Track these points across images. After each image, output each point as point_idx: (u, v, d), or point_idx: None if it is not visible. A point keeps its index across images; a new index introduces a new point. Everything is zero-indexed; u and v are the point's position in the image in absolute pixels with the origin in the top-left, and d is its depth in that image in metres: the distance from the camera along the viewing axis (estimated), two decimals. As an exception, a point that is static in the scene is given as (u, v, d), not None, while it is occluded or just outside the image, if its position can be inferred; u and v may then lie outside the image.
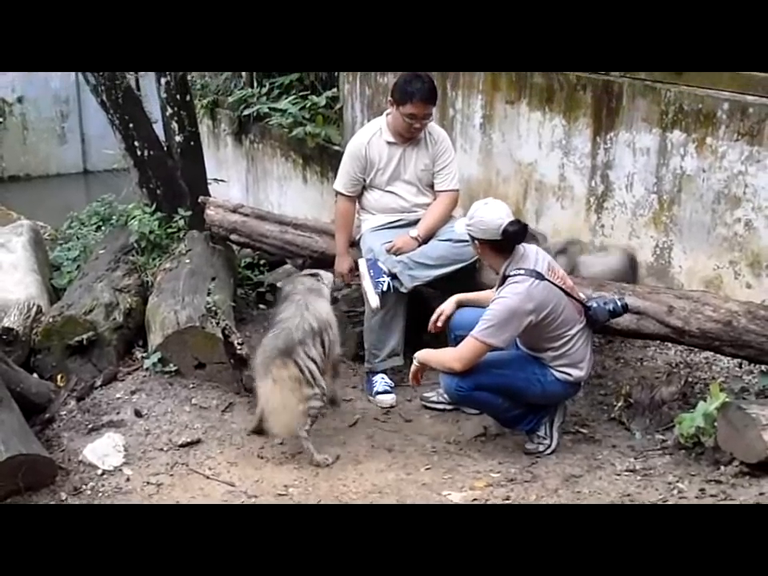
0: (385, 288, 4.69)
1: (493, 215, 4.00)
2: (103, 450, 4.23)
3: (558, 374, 4.08)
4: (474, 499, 3.80)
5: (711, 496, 3.62)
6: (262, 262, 6.41)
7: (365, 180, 5.01)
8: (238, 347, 4.78)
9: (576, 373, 4.10)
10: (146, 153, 6.43)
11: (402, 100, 4.75)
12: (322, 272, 4.69)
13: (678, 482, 3.84)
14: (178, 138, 6.61)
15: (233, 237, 5.85)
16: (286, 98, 8.14)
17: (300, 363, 4.14)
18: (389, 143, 4.93)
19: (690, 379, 4.65)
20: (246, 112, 8.63)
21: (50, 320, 4.98)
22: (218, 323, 4.89)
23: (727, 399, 3.88)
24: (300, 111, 7.90)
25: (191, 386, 4.78)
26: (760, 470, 3.67)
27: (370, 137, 4.96)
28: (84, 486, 3.99)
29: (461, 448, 4.34)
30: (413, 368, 4.22)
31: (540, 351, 4.10)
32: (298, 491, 3.94)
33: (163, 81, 6.48)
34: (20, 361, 4.83)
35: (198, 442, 4.36)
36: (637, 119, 5.40)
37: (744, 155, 4.87)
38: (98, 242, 6.44)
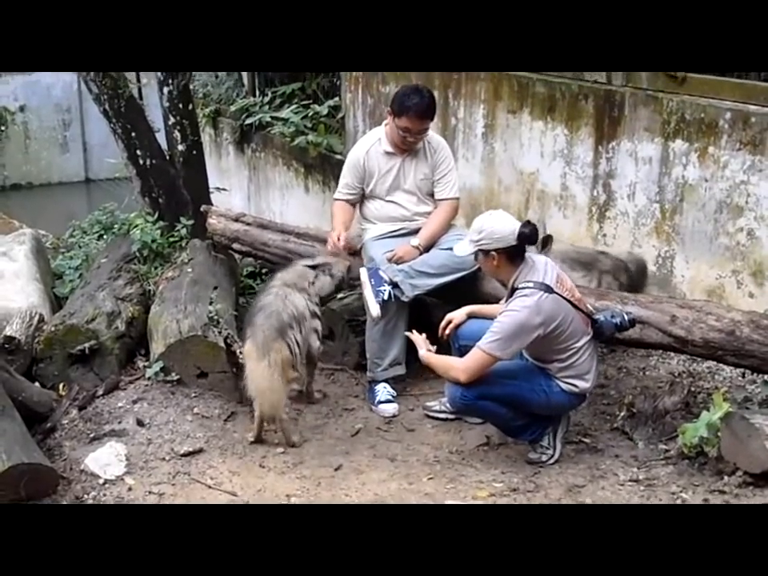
0: (386, 297, 4.68)
1: (503, 223, 4.02)
2: (105, 460, 4.22)
3: (563, 386, 4.07)
4: (477, 509, 3.79)
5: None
6: (264, 270, 6.40)
7: (363, 190, 5.02)
8: (240, 356, 4.77)
9: (582, 384, 4.09)
10: (148, 162, 6.44)
11: (399, 112, 4.77)
12: (325, 262, 4.76)
13: (681, 492, 3.84)
14: (180, 147, 6.61)
15: (235, 246, 5.85)
16: (288, 107, 8.15)
17: (291, 345, 4.35)
18: (387, 153, 4.94)
19: (692, 389, 4.64)
20: (248, 121, 8.64)
21: (52, 329, 4.97)
22: (220, 332, 4.88)
23: (730, 409, 3.87)
24: (302, 120, 7.91)
25: (193, 395, 4.78)
26: (763, 479, 3.67)
27: (368, 147, 4.97)
28: (86, 496, 3.98)
29: (463, 458, 4.32)
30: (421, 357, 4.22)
31: (546, 362, 4.09)
32: (300, 500, 3.93)
33: (166, 90, 6.49)
34: (22, 370, 4.82)
35: (200, 451, 4.35)
36: (639, 128, 5.40)
37: (746, 165, 4.88)
38: (99, 251, 6.44)
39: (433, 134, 5.04)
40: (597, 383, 4.49)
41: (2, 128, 12.27)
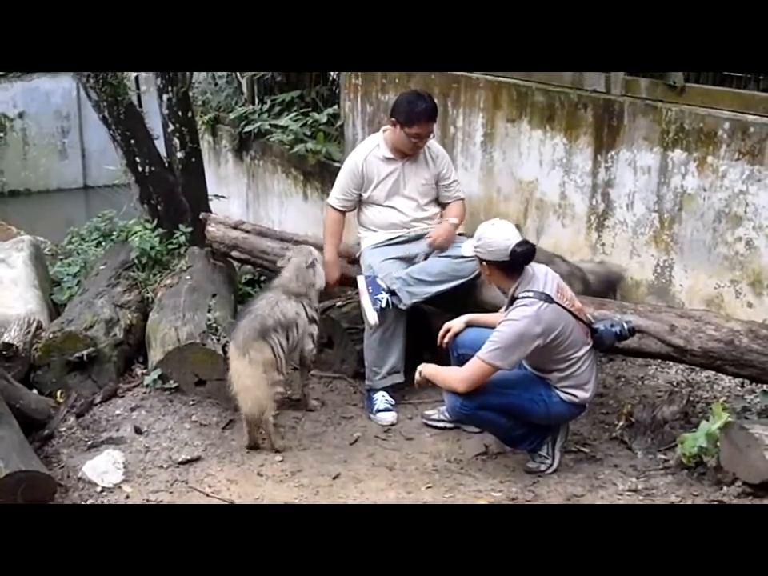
0: (384, 305, 4.68)
1: (500, 236, 3.99)
2: (103, 467, 4.21)
3: (563, 396, 4.06)
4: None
5: (714, 516, 3.60)
6: (262, 278, 6.39)
7: (360, 196, 5.02)
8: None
9: (581, 394, 4.08)
10: (147, 169, 6.45)
11: (409, 121, 4.78)
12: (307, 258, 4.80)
13: (680, 501, 3.83)
14: (179, 155, 6.63)
15: (234, 253, 5.86)
16: (287, 115, 8.15)
17: (274, 348, 4.43)
18: (387, 159, 4.95)
19: (691, 398, 4.64)
20: (247, 128, 8.64)
21: (50, 336, 4.97)
22: (218, 340, 4.88)
23: (730, 419, 3.87)
24: (301, 128, 7.91)
25: (191, 402, 4.77)
26: (763, 490, 3.66)
27: (366, 153, 4.98)
28: (83, 503, 3.96)
29: (462, 467, 4.31)
30: (417, 378, 4.21)
31: (546, 372, 4.08)
32: (299, 509, 3.92)
33: (165, 97, 6.51)
34: (20, 377, 4.82)
35: (198, 459, 4.35)
36: (638, 138, 5.41)
37: (745, 174, 4.88)
38: (98, 258, 6.44)
39: (431, 140, 5.05)
40: (596, 393, 4.49)
41: (1, 134, 12.26)
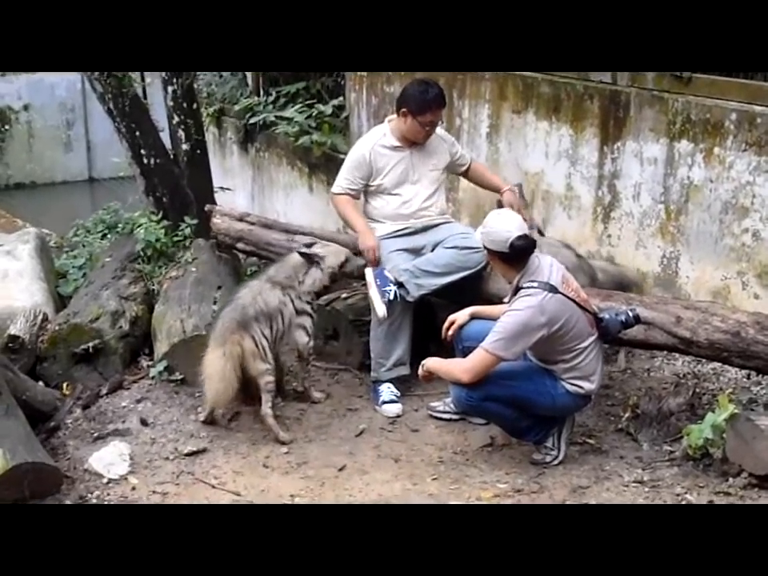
0: (391, 297, 4.67)
1: (503, 227, 3.99)
2: (109, 459, 4.23)
3: (569, 387, 4.06)
4: (481, 510, 3.78)
5: (720, 508, 3.60)
6: (267, 270, 6.40)
7: (366, 186, 5.00)
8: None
9: (587, 385, 4.07)
10: (152, 161, 6.45)
11: (421, 109, 4.79)
12: (317, 254, 4.76)
13: (686, 493, 3.83)
14: (184, 147, 6.63)
15: (239, 245, 5.85)
16: (293, 107, 8.12)
17: (255, 338, 4.43)
18: (395, 147, 4.94)
19: (697, 390, 4.63)
20: (252, 120, 8.62)
21: (56, 328, 4.98)
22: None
23: (736, 410, 3.87)
24: (306, 120, 7.89)
25: (197, 394, 4.77)
26: (769, 481, 3.66)
27: (373, 143, 4.96)
28: (89, 495, 3.99)
29: (467, 458, 4.32)
30: (421, 373, 4.21)
31: (551, 363, 4.08)
32: (304, 501, 3.93)
33: (170, 89, 6.50)
34: (26, 369, 4.83)
35: (204, 450, 4.36)
36: (644, 129, 5.38)
37: (752, 165, 4.86)
38: (103, 250, 6.45)
39: None
40: (601, 384, 4.49)
41: (6, 127, 12.26)
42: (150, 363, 5.10)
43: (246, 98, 8.85)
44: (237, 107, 8.88)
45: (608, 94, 5.58)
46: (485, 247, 4.10)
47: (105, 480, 4.10)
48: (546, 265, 4.03)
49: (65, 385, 4.89)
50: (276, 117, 8.31)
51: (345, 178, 5.03)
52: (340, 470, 4.20)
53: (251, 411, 4.63)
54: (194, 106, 6.75)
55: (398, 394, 4.86)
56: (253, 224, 5.81)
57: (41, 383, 4.83)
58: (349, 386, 5.09)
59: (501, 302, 4.36)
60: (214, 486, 4.05)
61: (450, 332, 4.35)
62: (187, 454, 4.31)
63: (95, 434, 4.49)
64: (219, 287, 5.44)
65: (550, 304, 3.90)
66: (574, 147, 5.84)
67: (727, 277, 5.06)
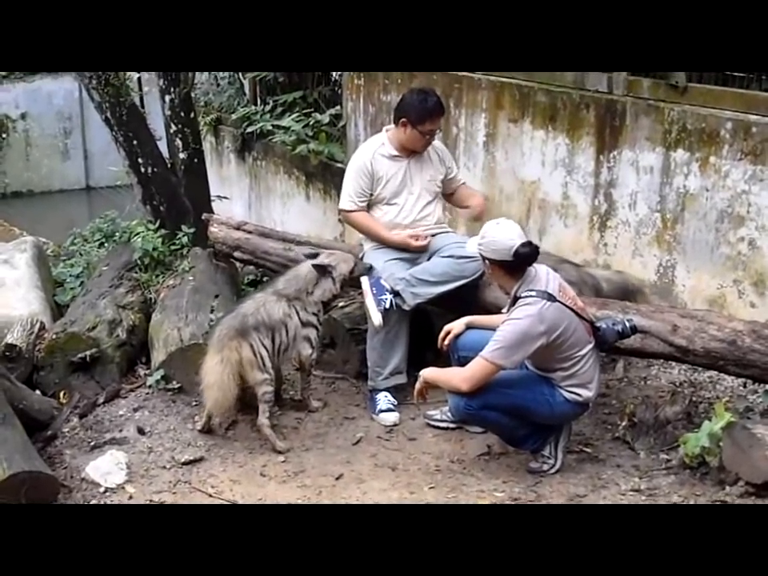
0: (387, 305, 4.68)
1: (504, 236, 4.00)
2: (106, 468, 4.22)
3: (567, 395, 4.06)
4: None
5: (717, 516, 3.60)
6: (265, 279, 6.39)
7: (371, 195, 4.99)
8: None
9: (585, 393, 4.08)
10: (149, 170, 6.46)
11: (421, 119, 4.80)
12: (328, 264, 4.76)
13: (682, 501, 3.83)
14: (181, 155, 6.64)
15: (236, 254, 5.86)
16: (290, 116, 8.15)
17: (254, 346, 4.42)
18: (394, 157, 4.95)
19: (694, 398, 4.63)
20: (249, 129, 8.64)
21: (53, 336, 4.98)
22: (221, 340, 4.87)
23: (732, 419, 3.87)
24: (303, 129, 7.91)
25: (194, 403, 4.77)
26: (765, 490, 3.66)
27: (373, 152, 4.97)
28: (86, 504, 3.97)
29: (464, 467, 4.31)
30: (417, 385, 4.22)
31: (549, 371, 4.08)
32: (301, 510, 3.92)
33: (167, 98, 6.52)
34: (23, 377, 4.83)
35: (201, 459, 4.35)
36: (640, 138, 5.40)
37: (747, 174, 4.88)
38: (101, 259, 6.45)
39: None
40: (599, 392, 4.49)
41: (3, 135, 12.28)
42: (147, 372, 5.10)
43: (243, 107, 8.88)
44: (234, 116, 8.90)
45: (604, 103, 5.60)
46: (483, 257, 4.10)
47: (102, 489, 4.09)
48: (543, 273, 4.04)
49: (62, 393, 4.89)
50: (273, 126, 8.34)
51: (352, 192, 4.98)
52: (337, 478, 4.19)
53: (248, 420, 4.63)
54: (192, 114, 6.76)
55: (395, 403, 4.86)
56: (250, 233, 5.82)
57: (38, 392, 4.83)
58: (346, 395, 5.09)
59: (497, 312, 4.37)
60: (210, 495, 4.04)
61: (446, 342, 4.35)
62: (184, 463, 4.31)
63: (92, 443, 4.48)
64: (216, 296, 5.45)
65: (548, 312, 3.91)
66: (570, 156, 5.86)
67: (723, 285, 5.07)
